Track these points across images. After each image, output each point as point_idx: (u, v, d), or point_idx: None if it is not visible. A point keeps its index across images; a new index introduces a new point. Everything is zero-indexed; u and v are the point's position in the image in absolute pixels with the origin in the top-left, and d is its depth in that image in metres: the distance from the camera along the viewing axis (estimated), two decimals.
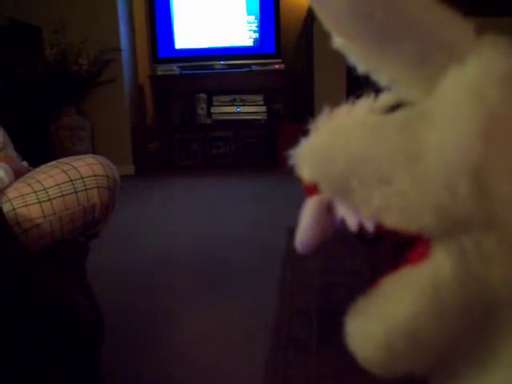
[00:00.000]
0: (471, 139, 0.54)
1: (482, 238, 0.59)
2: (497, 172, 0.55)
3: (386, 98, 0.68)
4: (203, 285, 2.25)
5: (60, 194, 1.34)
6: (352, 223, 0.68)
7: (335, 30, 0.67)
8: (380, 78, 0.67)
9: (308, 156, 0.71)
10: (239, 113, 4.81)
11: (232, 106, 4.83)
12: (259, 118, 4.79)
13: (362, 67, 0.67)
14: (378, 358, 0.64)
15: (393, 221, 0.62)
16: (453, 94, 0.57)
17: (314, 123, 0.73)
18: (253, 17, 4.67)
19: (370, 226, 0.65)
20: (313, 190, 0.71)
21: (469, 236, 0.59)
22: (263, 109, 4.79)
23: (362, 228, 0.67)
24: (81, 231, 1.43)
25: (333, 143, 0.68)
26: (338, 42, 0.67)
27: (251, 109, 4.80)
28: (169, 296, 2.14)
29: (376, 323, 0.65)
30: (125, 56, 4.58)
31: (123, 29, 4.57)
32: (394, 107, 0.66)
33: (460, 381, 0.66)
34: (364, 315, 0.67)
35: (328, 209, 0.72)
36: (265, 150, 4.71)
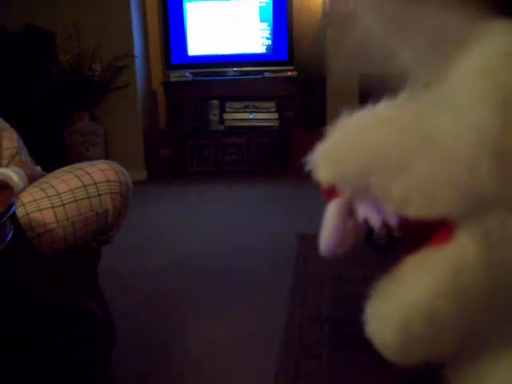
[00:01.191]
0: (488, 117, 0.53)
1: (506, 218, 0.57)
2: None
3: (401, 97, 0.67)
4: (215, 291, 2.25)
5: (73, 200, 1.34)
6: (375, 221, 0.67)
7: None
8: (404, 53, 0.66)
9: (324, 159, 0.71)
10: (251, 119, 4.82)
11: (244, 112, 4.84)
12: (271, 124, 4.79)
13: (389, 46, 0.66)
14: (395, 342, 0.63)
15: (415, 210, 0.61)
16: (467, 76, 0.56)
17: (331, 127, 0.73)
18: (266, 24, 4.68)
19: (393, 221, 0.64)
20: (332, 193, 0.71)
21: (493, 216, 0.58)
22: (275, 115, 4.79)
23: (385, 226, 0.66)
24: (93, 237, 1.43)
25: (347, 143, 0.67)
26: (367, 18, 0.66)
27: (263, 115, 4.81)
28: (180, 302, 2.14)
29: (394, 305, 0.63)
30: (138, 62, 4.60)
31: (137, 35, 4.59)
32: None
33: (484, 367, 0.65)
34: (382, 297, 0.66)
35: (350, 212, 0.71)
36: (277, 157, 4.71)
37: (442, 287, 0.60)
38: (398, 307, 0.63)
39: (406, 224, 0.64)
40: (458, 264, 0.59)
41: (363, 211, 0.68)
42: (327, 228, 0.75)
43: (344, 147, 0.68)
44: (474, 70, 0.56)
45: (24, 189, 1.37)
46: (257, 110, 4.83)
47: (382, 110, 0.68)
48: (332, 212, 0.73)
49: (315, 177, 0.72)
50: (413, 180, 0.60)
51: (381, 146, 0.63)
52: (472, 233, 0.59)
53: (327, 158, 0.70)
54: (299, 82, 4.71)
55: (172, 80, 4.84)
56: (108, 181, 1.40)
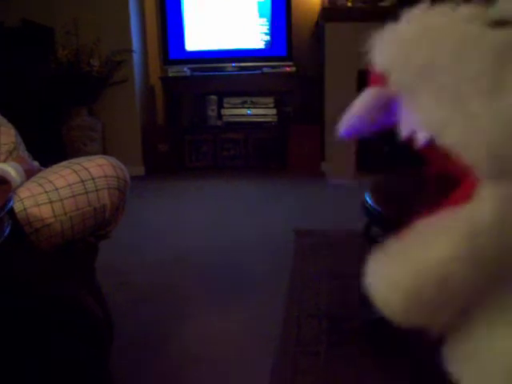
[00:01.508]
0: None
1: None
2: None
3: (493, 11, 0.63)
4: (213, 287, 2.25)
5: (71, 195, 1.34)
6: (405, 128, 0.64)
7: None
8: None
9: (390, 44, 0.67)
10: (250, 115, 4.81)
11: (243, 108, 4.83)
12: (270, 120, 4.79)
13: None
14: (402, 304, 0.61)
15: (451, 140, 0.59)
16: None
17: (407, 14, 0.68)
18: (264, 19, 4.67)
19: (423, 137, 0.62)
20: (379, 81, 0.68)
21: None
22: (274, 111, 4.79)
23: (411, 138, 0.63)
24: (91, 231, 1.43)
25: (420, 38, 0.63)
26: None
27: (262, 111, 4.80)
28: (178, 298, 2.14)
29: (405, 266, 0.61)
30: (136, 57, 4.59)
31: (135, 30, 4.58)
32: (499, 24, 0.61)
33: (478, 338, 0.64)
34: (392, 258, 0.64)
35: (385, 104, 0.68)
36: (275, 153, 4.71)
37: (459, 250, 0.58)
38: (410, 269, 0.60)
39: (431, 152, 0.62)
40: (475, 226, 0.57)
41: (401, 111, 0.65)
42: (354, 109, 0.71)
43: (418, 40, 0.64)
44: None
45: (22, 184, 1.37)
46: (255, 105, 4.82)
47: (469, 14, 0.64)
48: (367, 96, 0.70)
49: (371, 58, 0.68)
50: (464, 112, 0.58)
51: (453, 63, 0.60)
52: (492, 195, 0.57)
53: (396, 44, 0.66)
54: (298, 78, 4.71)
55: (170, 75, 4.82)
56: (106, 176, 1.40)
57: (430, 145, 0.61)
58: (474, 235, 0.58)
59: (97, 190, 1.38)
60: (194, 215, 3.43)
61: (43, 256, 1.31)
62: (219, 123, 4.85)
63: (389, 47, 0.67)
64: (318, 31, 4.67)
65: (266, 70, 4.68)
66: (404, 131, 0.65)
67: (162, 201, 3.85)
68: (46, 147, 3.58)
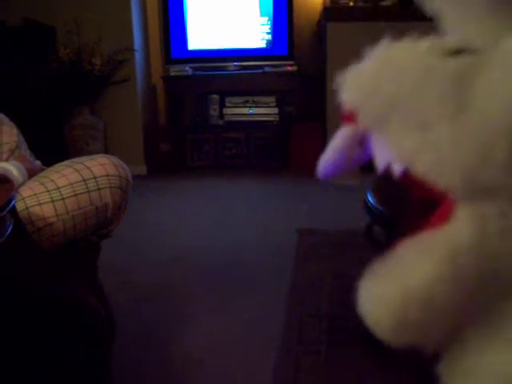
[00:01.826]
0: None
1: (508, 210, 0.57)
2: None
3: (449, 41, 0.65)
4: (214, 286, 2.25)
5: (73, 194, 1.34)
6: (381, 161, 0.66)
7: None
8: (451, 18, 0.64)
9: (356, 81, 0.69)
10: (251, 114, 4.81)
11: (244, 107, 4.83)
12: (271, 119, 4.79)
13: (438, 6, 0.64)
14: (390, 323, 0.62)
15: (423, 168, 0.60)
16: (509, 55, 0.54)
17: (371, 52, 0.70)
18: (266, 18, 4.67)
19: (398, 168, 0.63)
20: (351, 118, 0.69)
21: (495, 205, 0.57)
22: (275, 110, 4.78)
23: (389, 169, 0.64)
24: (93, 231, 1.44)
25: (384, 72, 0.65)
26: None
27: (263, 110, 4.80)
28: (179, 297, 2.14)
29: (393, 287, 0.62)
30: (138, 56, 4.59)
31: (136, 29, 4.58)
32: (455, 52, 0.63)
33: (472, 355, 0.64)
34: (380, 278, 0.65)
35: (359, 141, 0.70)
36: (277, 152, 4.70)
37: (440, 271, 0.59)
38: (396, 290, 0.62)
39: (409, 180, 0.63)
40: (455, 248, 0.58)
41: (374, 146, 0.67)
42: (330, 149, 0.74)
43: (380, 76, 0.65)
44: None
45: (24, 183, 1.37)
46: (257, 104, 4.82)
47: (427, 48, 0.65)
48: (342, 135, 0.72)
49: (341, 97, 0.70)
50: (431, 138, 0.58)
51: (415, 92, 0.61)
52: (470, 216, 0.58)
53: (360, 82, 0.67)
54: (299, 77, 4.70)
55: (172, 74, 4.82)
56: (108, 175, 1.40)
57: (406, 173, 0.63)
58: (455, 256, 0.59)
59: (99, 189, 1.38)
60: (196, 214, 3.43)
61: (45, 255, 1.31)
62: (221, 122, 4.85)
63: (355, 84, 0.69)
64: (319, 30, 4.67)
65: (267, 69, 4.68)
66: (380, 164, 0.67)
67: (163, 200, 3.85)
68: (48, 146, 3.59)
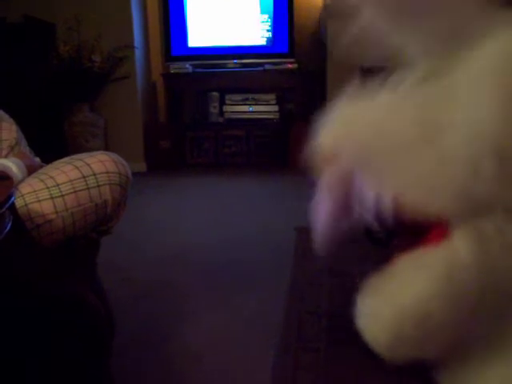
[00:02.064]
0: (493, 118, 0.52)
1: (505, 225, 0.57)
2: None
3: (408, 80, 0.65)
4: (214, 283, 2.25)
5: (72, 190, 1.34)
6: (369, 200, 0.66)
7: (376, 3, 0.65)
8: (411, 48, 0.64)
9: (332, 127, 0.69)
10: (251, 112, 4.81)
11: (244, 104, 4.83)
12: (271, 117, 4.78)
13: (395, 40, 0.64)
14: (387, 340, 0.63)
15: (411, 200, 0.60)
16: (476, 74, 0.54)
17: (343, 97, 0.71)
18: (266, 16, 4.66)
19: (387, 205, 0.63)
20: (328, 162, 0.70)
21: (491, 221, 0.57)
22: (275, 108, 4.78)
23: (379, 207, 0.64)
24: (92, 227, 1.43)
25: (355, 117, 0.66)
26: (367, 15, 0.65)
27: (263, 108, 4.80)
28: (179, 294, 2.14)
29: (387, 304, 0.63)
30: (138, 53, 4.59)
31: (137, 26, 4.58)
32: (421, 81, 0.63)
33: (473, 368, 0.64)
34: (376, 295, 0.65)
35: (345, 185, 0.69)
36: (276, 150, 4.70)
37: (437, 289, 0.59)
38: (392, 307, 0.62)
39: (400, 216, 0.63)
40: (452, 266, 0.58)
41: (360, 186, 0.67)
42: (319, 215, 0.73)
43: (353, 121, 0.66)
44: (483, 68, 0.54)
45: (23, 180, 1.37)
46: (257, 102, 4.82)
47: (387, 94, 0.66)
48: (326, 197, 0.72)
49: (318, 142, 0.71)
50: (411, 172, 0.59)
51: (384, 127, 0.61)
52: (467, 234, 0.58)
53: (336, 127, 0.68)
54: (300, 75, 4.70)
55: (172, 72, 4.82)
56: (107, 172, 1.39)
57: (397, 208, 0.63)
58: (453, 273, 0.58)
59: (98, 186, 1.37)
60: (196, 212, 3.43)
61: (44, 252, 1.31)
62: (221, 120, 4.85)
63: (331, 130, 0.70)
64: (320, 28, 4.66)
65: (267, 66, 4.68)
66: (370, 203, 0.66)
67: (163, 197, 3.84)
68: (48, 143, 3.58)
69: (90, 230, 1.44)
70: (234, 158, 4.78)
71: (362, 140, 0.64)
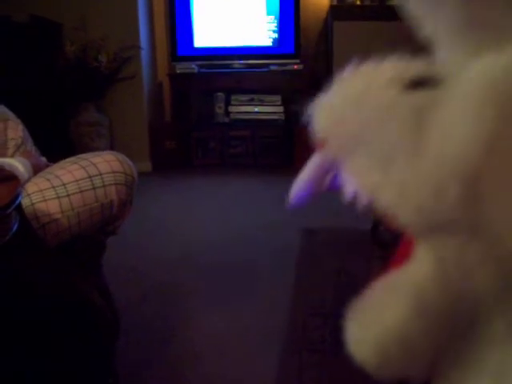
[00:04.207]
0: (473, 143, 0.51)
1: (465, 245, 0.57)
2: (493, 183, 0.52)
3: (412, 70, 0.64)
4: (218, 284, 2.25)
5: (78, 190, 1.34)
6: (348, 190, 0.67)
7: None
8: (426, 29, 0.63)
9: (324, 111, 0.70)
10: (257, 112, 4.81)
11: (250, 105, 4.82)
12: (277, 118, 4.78)
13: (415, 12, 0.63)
14: (375, 362, 0.64)
15: (384, 203, 0.60)
16: (468, 88, 0.54)
17: (337, 78, 0.71)
18: (272, 17, 4.66)
19: (363, 199, 0.64)
20: (321, 146, 0.71)
21: (453, 240, 0.57)
22: (281, 109, 4.78)
23: (355, 199, 0.66)
24: (98, 228, 1.44)
25: (347, 105, 0.66)
26: None
27: (269, 109, 4.80)
28: (184, 295, 2.14)
29: (369, 330, 0.64)
30: (144, 54, 4.59)
31: (143, 26, 4.59)
32: (417, 84, 0.62)
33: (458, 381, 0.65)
34: (357, 320, 0.67)
35: (329, 169, 0.72)
36: (282, 151, 4.70)
37: (408, 309, 0.60)
38: (373, 331, 0.64)
39: (376, 211, 0.64)
40: (417, 286, 0.59)
41: (342, 175, 0.68)
42: (302, 177, 0.76)
43: (344, 109, 0.66)
44: (475, 84, 0.54)
45: (29, 179, 1.37)
46: (262, 103, 4.82)
47: (390, 77, 0.65)
48: (313, 162, 0.74)
49: (311, 126, 0.72)
50: (392, 174, 0.59)
51: (376, 128, 0.61)
52: (429, 253, 0.59)
53: (328, 112, 0.69)
54: (305, 76, 4.69)
55: (178, 72, 4.82)
56: (113, 172, 1.40)
57: (371, 206, 0.63)
58: (418, 294, 0.59)
59: (104, 186, 1.38)
60: (201, 212, 3.43)
61: (49, 252, 1.31)
62: (226, 120, 4.85)
63: (322, 114, 0.70)
64: (326, 29, 4.66)
65: (273, 67, 4.68)
66: (347, 194, 0.67)
67: (168, 197, 3.85)
68: (54, 143, 3.59)
69: (95, 230, 1.44)
70: (240, 158, 4.78)
71: (350, 131, 0.64)
